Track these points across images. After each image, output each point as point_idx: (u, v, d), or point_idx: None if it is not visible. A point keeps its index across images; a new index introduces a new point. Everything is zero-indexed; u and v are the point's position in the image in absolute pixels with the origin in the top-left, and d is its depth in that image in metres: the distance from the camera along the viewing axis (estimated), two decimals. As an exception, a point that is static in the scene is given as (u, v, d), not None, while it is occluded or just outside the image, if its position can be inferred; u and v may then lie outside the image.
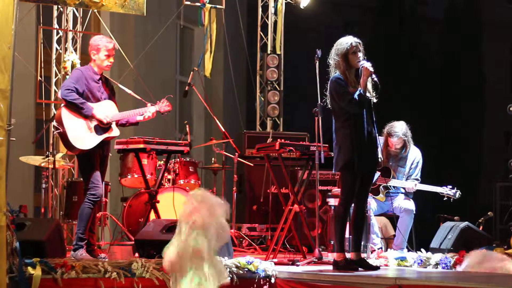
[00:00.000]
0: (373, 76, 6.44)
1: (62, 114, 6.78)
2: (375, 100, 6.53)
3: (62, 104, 6.86)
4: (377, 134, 6.59)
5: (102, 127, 6.90)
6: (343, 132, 6.44)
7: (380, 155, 6.63)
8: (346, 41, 6.51)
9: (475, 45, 14.94)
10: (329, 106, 6.60)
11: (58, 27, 10.05)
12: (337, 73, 6.52)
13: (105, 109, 6.93)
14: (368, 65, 6.43)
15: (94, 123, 6.87)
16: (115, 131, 7.00)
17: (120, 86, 7.39)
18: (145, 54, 10.42)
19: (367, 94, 6.44)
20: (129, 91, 7.42)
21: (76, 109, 6.78)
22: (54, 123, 6.91)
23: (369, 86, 6.51)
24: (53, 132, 7.33)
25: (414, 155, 7.97)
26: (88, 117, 6.81)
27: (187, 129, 8.61)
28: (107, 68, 7.03)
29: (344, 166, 6.44)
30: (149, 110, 7.21)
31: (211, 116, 9.48)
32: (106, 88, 7.05)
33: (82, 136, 6.79)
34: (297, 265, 6.77)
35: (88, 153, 6.84)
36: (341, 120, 6.46)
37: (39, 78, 9.68)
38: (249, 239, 9.12)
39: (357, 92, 6.39)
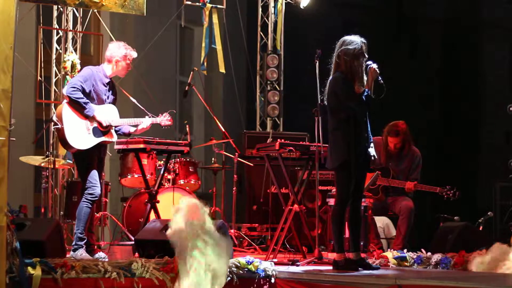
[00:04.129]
0: (379, 78, 6.42)
1: (63, 111, 6.77)
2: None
3: (65, 101, 6.85)
4: (370, 132, 6.56)
5: (101, 130, 6.89)
6: (340, 131, 6.41)
7: (374, 153, 6.58)
8: (356, 41, 6.43)
9: (475, 45, 14.91)
10: (325, 103, 6.57)
11: (58, 27, 10.05)
12: (339, 71, 6.47)
13: (107, 113, 6.93)
14: (375, 66, 6.41)
15: (94, 124, 6.85)
16: (112, 136, 7.00)
17: (129, 95, 7.39)
18: (145, 54, 10.41)
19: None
20: (134, 100, 7.44)
21: (79, 108, 6.77)
22: (54, 117, 6.89)
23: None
24: (52, 127, 7.31)
25: (414, 155, 7.98)
26: (89, 117, 6.81)
27: (187, 129, 8.61)
28: (122, 76, 7.08)
29: (340, 166, 6.42)
30: (145, 122, 7.22)
31: (211, 116, 9.48)
32: (112, 93, 7.05)
33: (79, 135, 6.78)
34: (297, 265, 6.77)
35: (85, 153, 6.83)
36: (339, 119, 6.43)
37: (39, 78, 9.68)
38: (249, 239, 9.12)
39: (365, 93, 6.38)
